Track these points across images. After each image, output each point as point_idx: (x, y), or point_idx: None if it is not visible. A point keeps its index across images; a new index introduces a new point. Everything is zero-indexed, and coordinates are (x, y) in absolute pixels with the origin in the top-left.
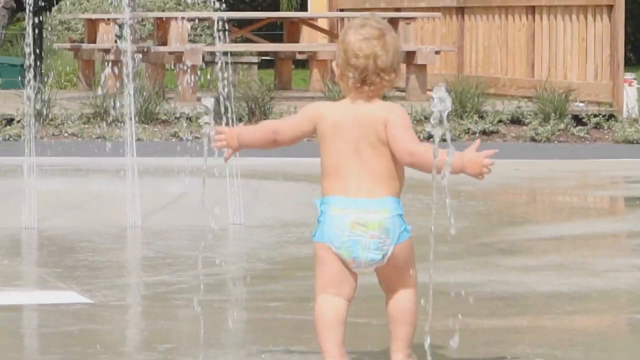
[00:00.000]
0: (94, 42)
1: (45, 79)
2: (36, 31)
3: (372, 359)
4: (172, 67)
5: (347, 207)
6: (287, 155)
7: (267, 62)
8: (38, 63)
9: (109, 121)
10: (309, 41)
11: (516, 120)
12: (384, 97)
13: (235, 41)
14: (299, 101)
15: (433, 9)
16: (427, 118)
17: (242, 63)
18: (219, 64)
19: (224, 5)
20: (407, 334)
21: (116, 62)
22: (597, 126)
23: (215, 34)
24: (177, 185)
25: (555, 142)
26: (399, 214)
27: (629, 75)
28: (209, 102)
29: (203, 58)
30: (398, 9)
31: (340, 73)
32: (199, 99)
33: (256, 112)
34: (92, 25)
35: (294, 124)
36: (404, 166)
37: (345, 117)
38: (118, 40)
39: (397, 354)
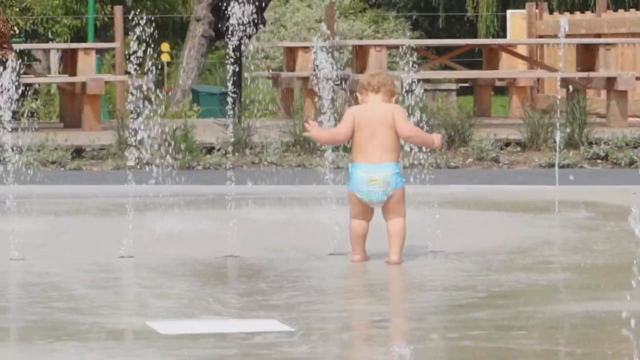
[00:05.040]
0: (293, 70)
1: (244, 108)
2: (235, 60)
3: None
4: None
5: (365, 169)
6: (485, 182)
7: (466, 89)
8: (237, 92)
9: (308, 150)
10: (508, 68)
11: None
12: None
13: (433, 68)
14: (498, 128)
15: (634, 35)
16: (627, 144)
17: (440, 90)
18: (418, 92)
19: (422, 33)
20: (400, 244)
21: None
22: None
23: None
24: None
25: None
26: (396, 172)
27: None
28: None
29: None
30: (598, 35)
31: (360, 91)
32: None
33: (455, 139)
34: (290, 54)
35: (348, 126)
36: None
37: (367, 114)
38: (317, 69)
39: (393, 257)
